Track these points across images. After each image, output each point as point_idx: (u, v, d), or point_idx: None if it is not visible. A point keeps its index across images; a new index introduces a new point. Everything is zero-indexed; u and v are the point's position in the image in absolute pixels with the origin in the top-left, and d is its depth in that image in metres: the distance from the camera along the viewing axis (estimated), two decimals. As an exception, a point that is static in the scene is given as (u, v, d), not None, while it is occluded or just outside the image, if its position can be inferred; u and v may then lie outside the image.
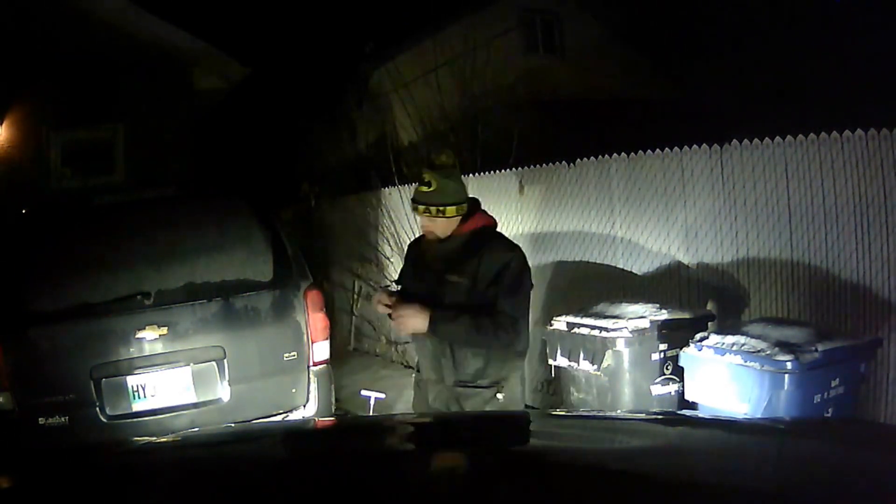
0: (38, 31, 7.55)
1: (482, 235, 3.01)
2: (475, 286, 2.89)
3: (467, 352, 2.95)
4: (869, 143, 3.70)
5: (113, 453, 1.96)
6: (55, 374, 3.93)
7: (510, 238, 3.22)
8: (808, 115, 5.00)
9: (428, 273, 3.03)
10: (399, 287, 3.19)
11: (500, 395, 3.00)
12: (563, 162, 5.39)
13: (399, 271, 3.37)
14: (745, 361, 3.29)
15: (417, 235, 3.34)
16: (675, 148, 4.61)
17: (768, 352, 3.24)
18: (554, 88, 11.41)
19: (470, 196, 3.12)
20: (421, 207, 2.96)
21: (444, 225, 2.99)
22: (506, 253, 2.96)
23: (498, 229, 3.19)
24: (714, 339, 3.49)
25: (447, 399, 3.02)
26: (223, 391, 4.15)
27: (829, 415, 3.28)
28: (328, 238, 8.39)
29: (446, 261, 2.98)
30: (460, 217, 3.01)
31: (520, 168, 5.81)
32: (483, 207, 3.19)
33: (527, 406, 5.70)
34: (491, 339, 2.87)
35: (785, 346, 3.24)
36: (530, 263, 3.12)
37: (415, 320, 2.88)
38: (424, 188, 2.94)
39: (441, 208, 2.94)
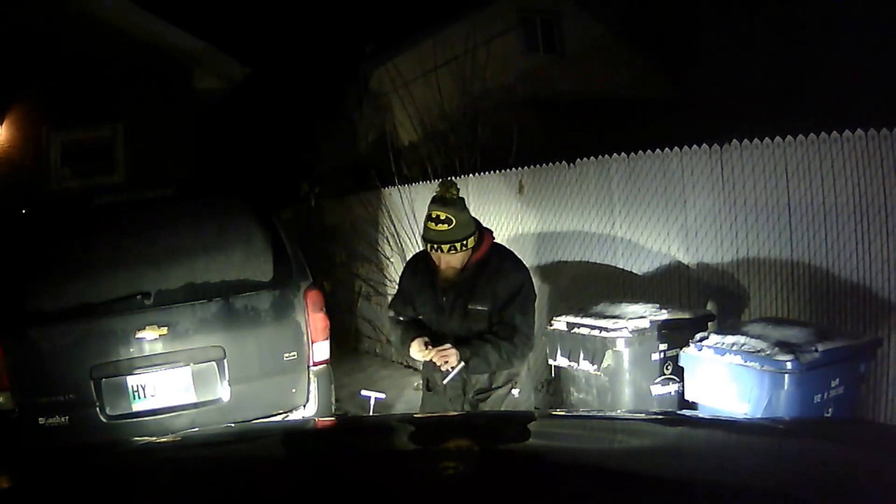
0: (39, 31, 7.55)
1: (492, 259, 3.10)
2: (494, 310, 3.05)
3: None
4: (869, 143, 3.70)
5: (113, 453, 1.96)
6: (55, 374, 3.92)
7: (510, 245, 3.26)
8: (808, 115, 5.00)
9: (447, 303, 3.10)
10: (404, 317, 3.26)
11: (514, 391, 3.14)
12: (563, 162, 5.39)
13: (401, 289, 3.37)
14: (745, 361, 3.28)
15: (418, 251, 3.35)
16: (675, 148, 4.61)
17: (768, 352, 3.24)
18: (554, 88, 11.42)
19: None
20: (445, 246, 2.97)
21: (462, 256, 3.05)
22: (517, 276, 3.10)
23: (498, 230, 3.24)
24: (714, 339, 3.49)
25: (469, 408, 3.14)
26: (223, 391, 4.15)
27: (829, 415, 3.28)
28: (328, 238, 8.39)
29: (465, 290, 3.07)
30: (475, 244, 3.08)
31: (520, 168, 5.81)
32: (479, 220, 3.24)
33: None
34: (513, 360, 3.05)
35: (785, 346, 3.23)
36: (530, 264, 3.19)
37: (452, 360, 2.99)
38: (443, 226, 2.95)
39: (463, 243, 2.99)
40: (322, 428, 2.53)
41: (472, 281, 3.05)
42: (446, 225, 2.94)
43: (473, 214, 3.20)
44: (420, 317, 3.22)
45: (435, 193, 3.04)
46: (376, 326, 7.87)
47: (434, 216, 2.97)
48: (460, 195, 3.07)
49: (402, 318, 3.29)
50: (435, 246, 3.00)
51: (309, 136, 11.06)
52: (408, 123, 8.61)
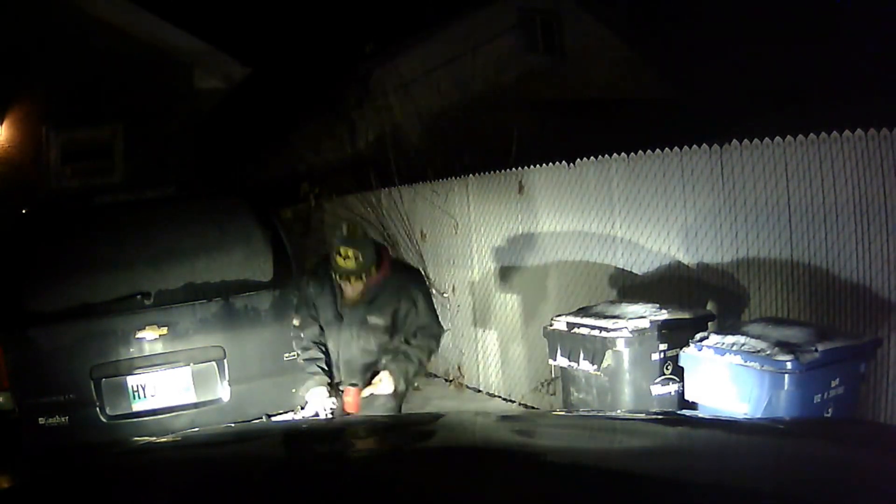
0: (39, 31, 7.55)
1: (393, 276, 3.46)
2: (394, 324, 3.43)
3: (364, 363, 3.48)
4: (869, 143, 3.70)
5: (113, 453, 1.96)
6: (55, 374, 3.93)
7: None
8: (808, 115, 5.00)
9: (350, 315, 3.44)
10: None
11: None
12: (563, 162, 5.39)
13: (303, 295, 3.63)
14: (745, 361, 3.28)
15: (317, 259, 3.72)
16: (675, 148, 4.61)
17: (768, 352, 3.24)
18: (554, 88, 11.42)
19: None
20: (353, 278, 3.34)
21: (367, 284, 3.39)
22: (414, 290, 3.50)
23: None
24: (714, 339, 3.49)
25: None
26: (223, 391, 4.15)
27: (829, 415, 3.28)
28: (328, 238, 8.38)
29: (366, 304, 3.43)
30: None
31: (520, 168, 5.80)
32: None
33: (527, 406, 5.72)
34: (434, 353, 3.57)
35: (785, 346, 3.23)
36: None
37: (387, 386, 3.41)
38: (351, 263, 3.31)
39: (368, 273, 3.36)
40: (321, 428, 2.53)
41: (372, 297, 3.41)
42: (354, 262, 3.29)
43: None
44: (318, 322, 3.53)
45: (339, 232, 3.36)
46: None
47: (343, 253, 3.30)
48: (364, 233, 3.46)
49: (303, 338, 3.58)
50: (345, 279, 3.35)
51: (309, 136, 11.04)
52: (408, 123, 8.60)
